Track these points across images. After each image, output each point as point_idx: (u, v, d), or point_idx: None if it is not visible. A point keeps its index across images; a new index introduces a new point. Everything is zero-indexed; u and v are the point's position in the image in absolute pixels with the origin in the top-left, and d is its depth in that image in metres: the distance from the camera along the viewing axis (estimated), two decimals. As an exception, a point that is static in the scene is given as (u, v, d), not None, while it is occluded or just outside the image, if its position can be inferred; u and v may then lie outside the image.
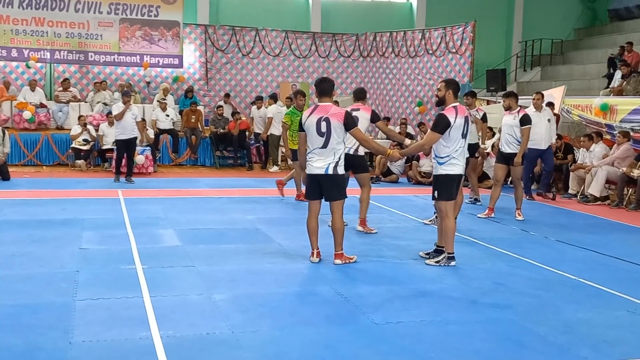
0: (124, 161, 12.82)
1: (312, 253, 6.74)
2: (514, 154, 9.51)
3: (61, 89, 16.56)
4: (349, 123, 6.46)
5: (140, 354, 4.19)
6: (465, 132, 6.56)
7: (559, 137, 13.05)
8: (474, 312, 5.30)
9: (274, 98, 16.66)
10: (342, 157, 6.52)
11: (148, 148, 14.41)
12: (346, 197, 6.74)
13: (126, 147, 12.57)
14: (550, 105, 13.56)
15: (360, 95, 8.63)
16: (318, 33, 19.86)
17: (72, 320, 4.77)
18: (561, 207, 11.18)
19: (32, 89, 15.95)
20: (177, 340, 4.43)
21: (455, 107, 6.53)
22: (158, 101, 16.25)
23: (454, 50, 17.30)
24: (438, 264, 6.69)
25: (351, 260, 6.69)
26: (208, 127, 16.60)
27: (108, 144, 14.11)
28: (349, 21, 20.61)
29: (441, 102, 6.72)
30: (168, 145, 15.80)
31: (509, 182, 12.05)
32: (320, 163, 6.45)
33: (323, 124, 6.39)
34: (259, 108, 16.44)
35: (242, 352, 4.28)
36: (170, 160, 15.84)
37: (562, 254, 7.57)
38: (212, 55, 18.70)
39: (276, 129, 15.20)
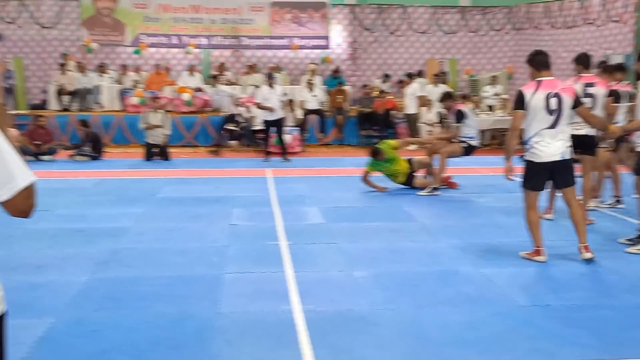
0: (271, 141, 13.24)
1: (540, 251, 5.84)
2: None
3: (217, 73, 17.38)
4: (578, 100, 5.81)
5: (282, 326, 4.30)
6: None
7: None
8: (629, 296, 4.90)
9: (410, 77, 16.52)
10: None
11: (296, 128, 14.76)
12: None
13: (274, 127, 12.96)
14: None
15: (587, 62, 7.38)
16: (467, 7, 19.23)
17: (221, 292, 5.01)
18: None
19: (191, 74, 16.89)
20: (317, 315, 4.50)
21: None
22: (306, 82, 16.58)
23: (616, 19, 16.02)
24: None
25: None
26: (354, 107, 16.70)
27: (259, 125, 14.61)
28: (501, -7, 19.75)
29: None
30: (315, 125, 16.08)
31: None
32: (552, 148, 5.63)
33: (553, 101, 5.62)
34: (403, 87, 16.34)
35: (381, 329, 4.27)
36: (317, 140, 16.11)
37: None
38: (359, 34, 18.73)
39: (411, 108, 15.33)
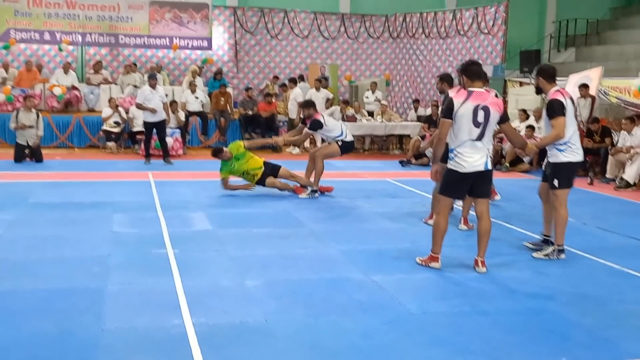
0: (152, 143, 12.84)
1: (437, 258, 5.93)
2: None
3: (92, 71, 16.61)
4: (505, 116, 5.82)
5: (173, 342, 4.12)
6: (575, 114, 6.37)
7: (596, 120, 12.72)
8: (513, 302, 5.15)
9: (293, 81, 16.65)
10: None
11: (178, 130, 14.40)
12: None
13: (156, 129, 12.56)
14: (586, 87, 13.23)
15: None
16: (347, 14, 19.61)
17: (105, 306, 4.74)
18: (599, 193, 10.89)
19: (65, 72, 16.01)
20: (210, 329, 4.36)
21: (559, 90, 6.28)
22: (188, 83, 16.22)
23: (485, 31, 16.94)
24: (547, 257, 6.39)
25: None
26: (237, 109, 16.55)
27: (138, 126, 14.10)
28: (379, 2, 20.27)
29: (539, 92, 6.56)
30: (197, 127, 15.77)
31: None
32: (476, 157, 5.62)
33: (481, 113, 5.58)
34: (285, 91, 16.45)
35: (276, 340, 4.20)
36: (200, 142, 15.81)
37: (603, 241, 7.35)
38: (241, 37, 18.59)
39: (294, 113, 15.64)
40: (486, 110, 5.61)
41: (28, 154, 12.45)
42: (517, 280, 5.69)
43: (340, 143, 9.59)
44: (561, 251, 6.43)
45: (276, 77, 18.35)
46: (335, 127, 9.72)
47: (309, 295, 5.10)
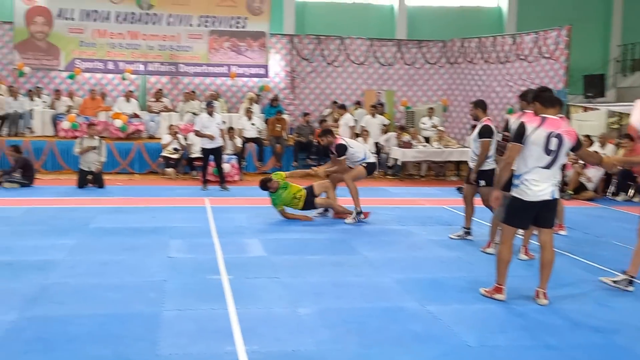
0: (210, 169, 13.03)
1: (502, 290, 5.74)
2: None
3: (153, 99, 17.05)
4: (579, 143, 5.62)
5: (226, 369, 4.11)
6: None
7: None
8: (577, 336, 4.93)
9: (343, 107, 16.67)
10: None
11: (234, 157, 14.59)
12: None
13: (213, 155, 12.75)
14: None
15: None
16: (403, 40, 19.60)
17: (160, 332, 4.78)
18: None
19: (127, 100, 16.52)
20: (263, 356, 4.34)
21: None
22: (245, 110, 16.46)
23: (547, 55, 16.62)
24: (615, 285, 6.18)
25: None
26: (292, 136, 16.67)
27: (196, 152, 14.35)
28: (436, 27, 20.23)
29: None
30: (253, 153, 15.94)
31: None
32: (543, 186, 5.47)
33: (553, 141, 5.43)
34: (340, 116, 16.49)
35: (329, 371, 4.14)
36: (256, 168, 15.96)
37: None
38: (298, 64, 18.79)
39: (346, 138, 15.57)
40: (559, 138, 5.44)
41: (90, 180, 12.80)
42: (581, 313, 5.47)
43: (365, 164, 9.71)
44: (630, 282, 6.16)
45: (335, 103, 18.32)
46: (358, 149, 9.87)
47: (362, 325, 5.02)
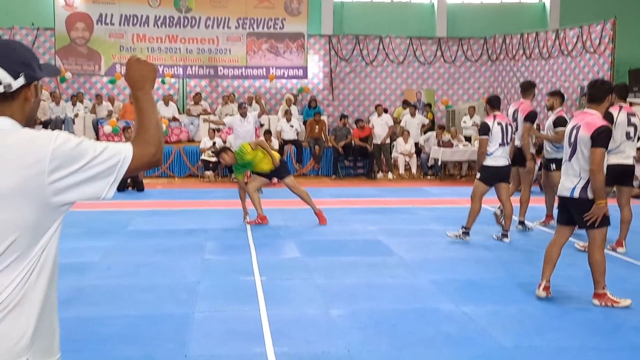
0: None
1: (540, 285, 5.56)
2: None
3: (192, 102, 17.20)
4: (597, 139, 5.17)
5: (253, 371, 4.05)
6: None
7: None
8: (618, 337, 4.72)
9: (384, 110, 16.56)
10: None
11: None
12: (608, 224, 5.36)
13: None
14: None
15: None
16: (444, 38, 19.35)
17: (190, 333, 4.74)
18: None
19: (166, 104, 16.69)
20: (291, 358, 4.26)
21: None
22: (283, 112, 16.46)
23: (591, 50, 16.17)
24: None
25: (617, 304, 5.34)
26: (331, 137, 16.59)
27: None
28: (476, 24, 19.90)
29: None
30: (292, 155, 15.93)
31: None
32: (566, 182, 5.34)
33: (573, 132, 5.32)
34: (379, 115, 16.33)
35: (358, 373, 4.04)
36: (294, 170, 15.93)
37: None
38: (336, 64, 18.72)
39: (379, 138, 15.76)
40: (577, 130, 5.34)
41: (130, 184, 12.95)
42: (622, 313, 5.23)
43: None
44: None
45: (379, 106, 18.05)
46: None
47: (394, 326, 4.90)
